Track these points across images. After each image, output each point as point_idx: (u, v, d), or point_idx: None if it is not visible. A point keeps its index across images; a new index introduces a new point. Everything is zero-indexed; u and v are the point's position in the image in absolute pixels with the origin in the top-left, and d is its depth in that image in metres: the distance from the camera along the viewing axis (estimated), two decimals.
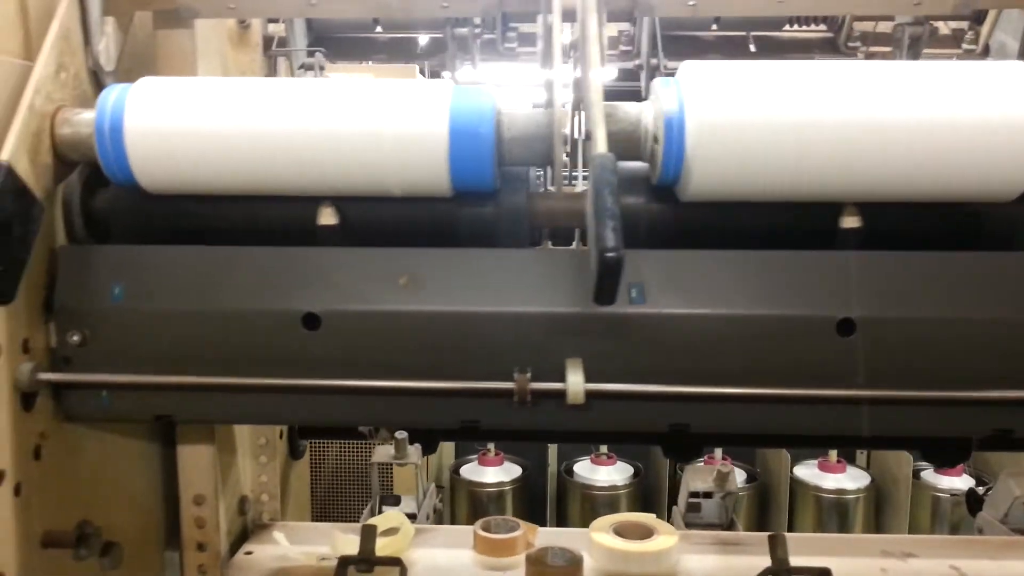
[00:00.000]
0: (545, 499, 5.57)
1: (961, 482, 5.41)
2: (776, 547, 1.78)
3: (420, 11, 1.56)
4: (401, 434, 2.30)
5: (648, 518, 2.17)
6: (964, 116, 1.22)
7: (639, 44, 1.80)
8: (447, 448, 5.41)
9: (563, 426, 1.39)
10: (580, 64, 1.28)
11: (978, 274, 1.29)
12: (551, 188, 1.44)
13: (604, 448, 5.52)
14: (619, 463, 5.57)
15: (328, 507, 3.73)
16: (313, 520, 3.38)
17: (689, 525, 2.35)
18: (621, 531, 2.08)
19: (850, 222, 1.31)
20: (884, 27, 2.31)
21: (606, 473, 5.49)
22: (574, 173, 1.97)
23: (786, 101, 1.23)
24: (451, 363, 1.36)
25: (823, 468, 5.58)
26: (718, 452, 5.05)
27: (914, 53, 2.08)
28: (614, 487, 5.41)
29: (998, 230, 1.33)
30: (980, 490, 2.99)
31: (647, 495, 5.41)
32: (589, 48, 1.22)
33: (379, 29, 2.25)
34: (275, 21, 2.18)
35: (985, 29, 1.80)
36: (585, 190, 1.36)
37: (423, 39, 2.36)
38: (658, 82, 1.29)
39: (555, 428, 1.40)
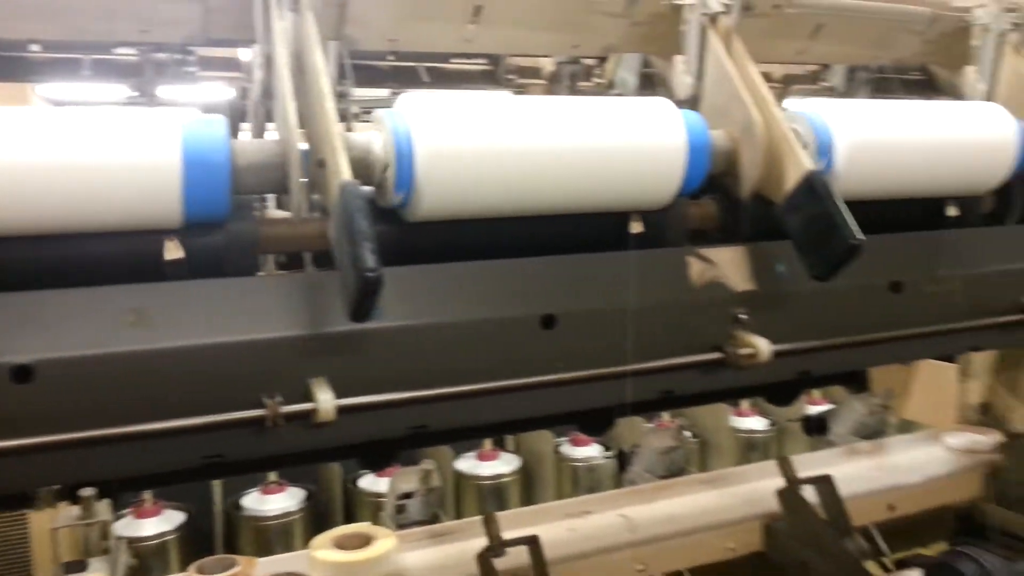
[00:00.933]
0: (213, 542, 5.28)
1: (591, 451, 6.25)
2: (491, 526, 1.99)
3: (120, 35, 1.47)
4: (88, 491, 2.07)
5: (364, 526, 2.25)
6: (629, 141, 1.52)
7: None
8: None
9: (313, 445, 1.43)
10: (308, 95, 1.34)
11: (645, 267, 1.61)
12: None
13: (273, 476, 5.39)
14: (290, 489, 5.47)
15: None
16: None
17: (399, 527, 2.47)
18: (341, 544, 2.13)
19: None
20: (533, 62, 2.67)
21: (277, 501, 5.36)
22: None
23: (498, 128, 1.42)
24: (190, 400, 1.32)
25: (480, 458, 6.07)
26: None
27: (571, 87, 2.47)
28: (287, 514, 5.31)
29: (655, 231, 1.66)
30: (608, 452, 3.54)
31: (322, 515, 5.40)
32: (319, 79, 1.29)
33: (35, 48, 2.00)
34: None
35: (609, 67, 2.20)
36: (313, 216, 1.42)
37: (90, 59, 2.15)
38: (383, 112, 1.40)
39: (306, 449, 1.43)
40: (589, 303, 1.60)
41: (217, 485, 5.35)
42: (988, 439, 2.75)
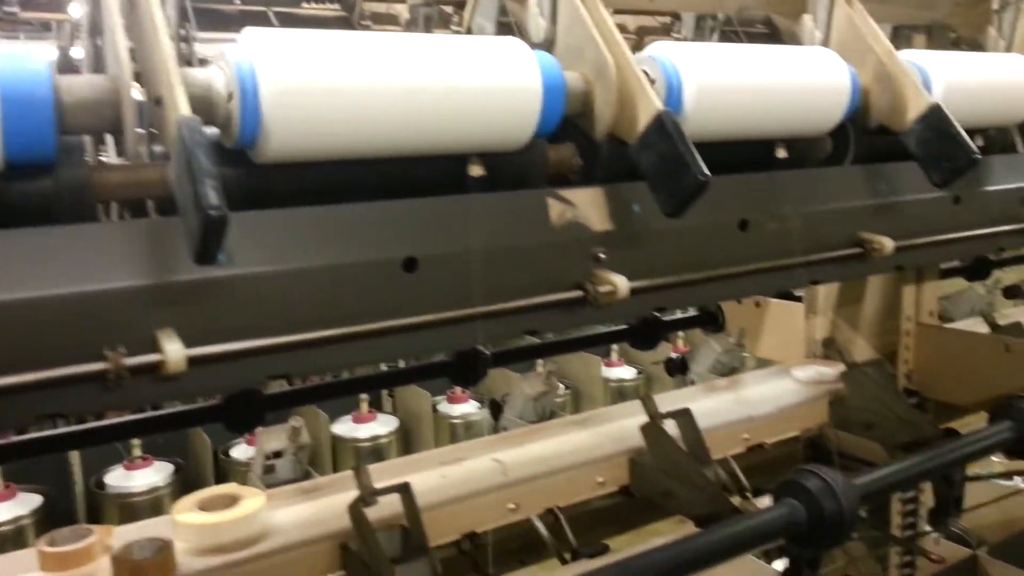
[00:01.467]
0: (76, 523, 5.01)
1: (468, 407, 6.33)
2: (361, 477, 1.97)
3: None
4: None
5: (230, 487, 2.19)
6: (484, 81, 1.52)
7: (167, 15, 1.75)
8: None
9: (163, 400, 1.37)
10: (141, 30, 1.25)
11: (506, 209, 1.62)
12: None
13: (137, 451, 5.17)
14: (156, 463, 5.27)
15: None
16: None
17: (268, 486, 2.42)
18: (206, 506, 2.07)
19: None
20: (388, 8, 2.60)
21: (143, 477, 5.15)
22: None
23: (350, 65, 1.38)
24: (21, 357, 1.24)
25: (357, 420, 6.03)
26: None
27: (426, 31, 2.41)
28: (155, 489, 5.12)
29: (515, 173, 1.67)
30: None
31: (193, 488, 5.23)
32: (152, 10, 1.21)
33: None
34: None
35: (467, 14, 2.18)
36: (155, 161, 1.35)
37: None
38: (226, 47, 1.33)
39: (163, 410, 1.37)
40: (451, 246, 1.60)
41: (76, 463, 5.09)
42: (832, 370, 2.96)
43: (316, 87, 1.36)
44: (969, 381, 2.77)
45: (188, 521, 1.99)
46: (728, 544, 1.77)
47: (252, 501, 2.07)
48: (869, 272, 2.39)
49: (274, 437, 2.38)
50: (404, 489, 1.97)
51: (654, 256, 1.86)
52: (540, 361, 3.05)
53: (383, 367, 3.66)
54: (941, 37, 2.74)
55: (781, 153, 2.00)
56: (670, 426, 2.41)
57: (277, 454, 2.39)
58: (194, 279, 1.34)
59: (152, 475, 5.19)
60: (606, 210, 1.79)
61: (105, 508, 5.09)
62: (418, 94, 1.46)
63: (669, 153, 1.61)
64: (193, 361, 1.32)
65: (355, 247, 1.52)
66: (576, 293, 1.71)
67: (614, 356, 6.89)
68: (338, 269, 1.50)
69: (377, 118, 1.43)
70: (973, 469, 3.40)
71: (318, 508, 2.15)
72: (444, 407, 6.30)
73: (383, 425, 6.15)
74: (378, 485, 2.04)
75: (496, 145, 1.63)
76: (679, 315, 4.19)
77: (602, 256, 1.76)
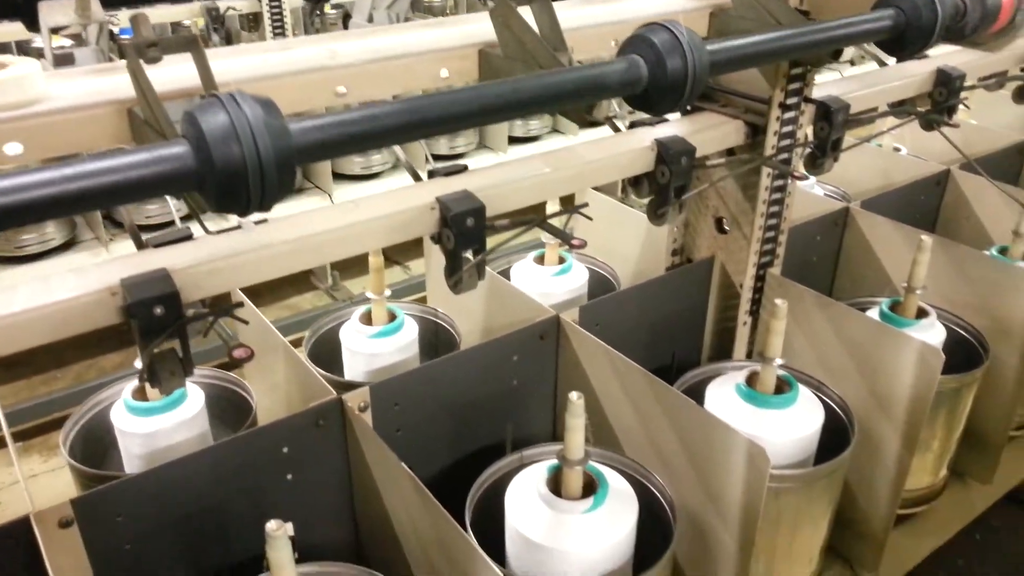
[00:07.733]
0: None
1: None
2: (138, 25, 1.68)
3: None
4: None
5: (5, 57, 1.87)
6: None
7: None
8: None
9: None
10: None
11: None
12: None
13: None
14: None
15: None
16: None
17: None
18: None
19: None
20: None
21: None
22: None
23: None
24: None
25: None
26: None
27: None
28: None
29: None
30: None
31: None
32: None
33: None
34: None
35: None
36: None
37: None
38: None
39: None
40: None
41: None
42: None
43: None
44: None
45: None
46: (554, 91, 1.57)
47: (22, 66, 1.78)
48: None
49: (58, 10, 1.99)
50: (191, 43, 1.69)
51: None
52: None
53: None
54: None
55: None
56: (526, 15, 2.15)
57: (71, 39, 2.04)
58: None
59: None
60: None
61: None
62: None
63: None
64: None
65: None
66: None
67: None
68: None
69: None
70: (859, 134, 3.29)
71: (109, 80, 1.87)
72: None
73: None
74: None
75: None
76: None
77: None
